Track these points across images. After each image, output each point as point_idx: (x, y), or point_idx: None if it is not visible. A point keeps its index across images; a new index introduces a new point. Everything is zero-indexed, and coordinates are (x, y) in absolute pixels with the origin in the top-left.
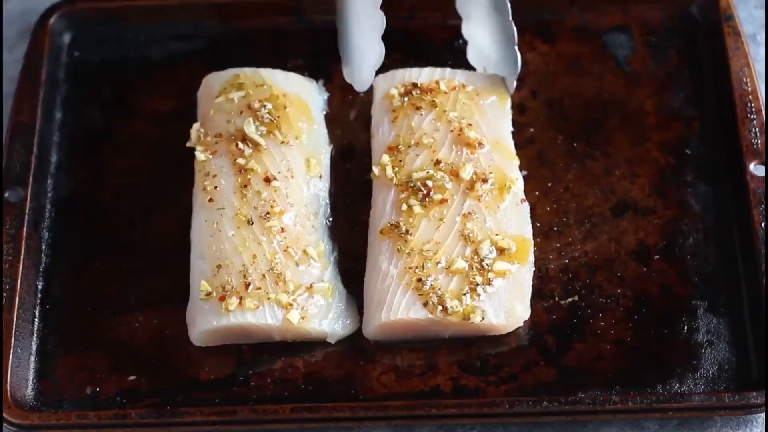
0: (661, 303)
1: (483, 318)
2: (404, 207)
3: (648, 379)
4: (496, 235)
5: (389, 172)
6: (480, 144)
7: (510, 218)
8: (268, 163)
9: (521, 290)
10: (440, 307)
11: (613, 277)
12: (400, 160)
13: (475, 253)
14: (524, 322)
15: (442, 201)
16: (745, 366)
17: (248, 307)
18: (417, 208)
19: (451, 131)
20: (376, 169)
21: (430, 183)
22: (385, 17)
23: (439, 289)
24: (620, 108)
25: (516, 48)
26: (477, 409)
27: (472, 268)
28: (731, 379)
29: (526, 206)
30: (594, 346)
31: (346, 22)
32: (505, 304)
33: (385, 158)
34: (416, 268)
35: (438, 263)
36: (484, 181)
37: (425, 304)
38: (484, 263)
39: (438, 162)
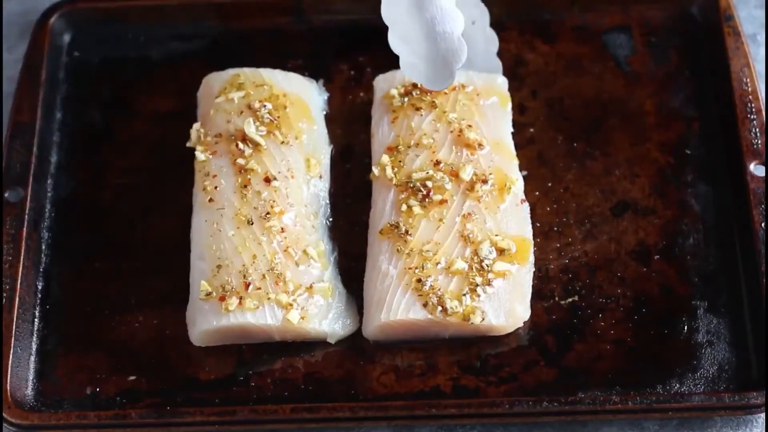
0: (661, 303)
1: (483, 319)
2: (404, 207)
3: (648, 379)
4: (496, 235)
5: (389, 172)
6: (480, 145)
7: (510, 219)
8: (268, 163)
9: (521, 291)
10: (440, 308)
11: (613, 277)
12: (400, 161)
13: (474, 254)
14: (524, 322)
15: (442, 201)
16: (745, 366)
17: (248, 307)
18: (417, 209)
19: (451, 132)
20: (375, 170)
21: (429, 183)
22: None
23: (439, 289)
24: (620, 108)
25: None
26: (477, 409)
27: (472, 269)
28: (731, 379)
29: (526, 206)
30: (594, 346)
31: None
32: (505, 305)
33: (385, 158)
34: (416, 268)
35: (438, 264)
36: (484, 181)
37: (425, 305)
38: (484, 264)
39: (438, 162)
